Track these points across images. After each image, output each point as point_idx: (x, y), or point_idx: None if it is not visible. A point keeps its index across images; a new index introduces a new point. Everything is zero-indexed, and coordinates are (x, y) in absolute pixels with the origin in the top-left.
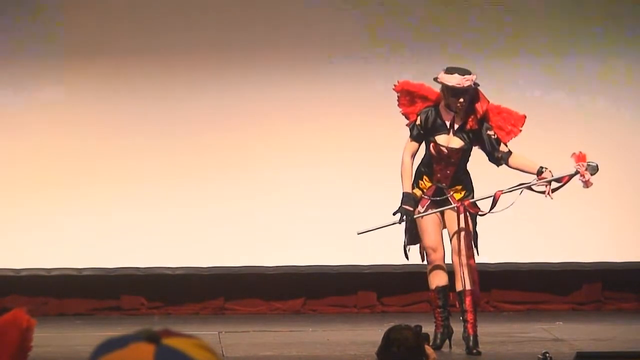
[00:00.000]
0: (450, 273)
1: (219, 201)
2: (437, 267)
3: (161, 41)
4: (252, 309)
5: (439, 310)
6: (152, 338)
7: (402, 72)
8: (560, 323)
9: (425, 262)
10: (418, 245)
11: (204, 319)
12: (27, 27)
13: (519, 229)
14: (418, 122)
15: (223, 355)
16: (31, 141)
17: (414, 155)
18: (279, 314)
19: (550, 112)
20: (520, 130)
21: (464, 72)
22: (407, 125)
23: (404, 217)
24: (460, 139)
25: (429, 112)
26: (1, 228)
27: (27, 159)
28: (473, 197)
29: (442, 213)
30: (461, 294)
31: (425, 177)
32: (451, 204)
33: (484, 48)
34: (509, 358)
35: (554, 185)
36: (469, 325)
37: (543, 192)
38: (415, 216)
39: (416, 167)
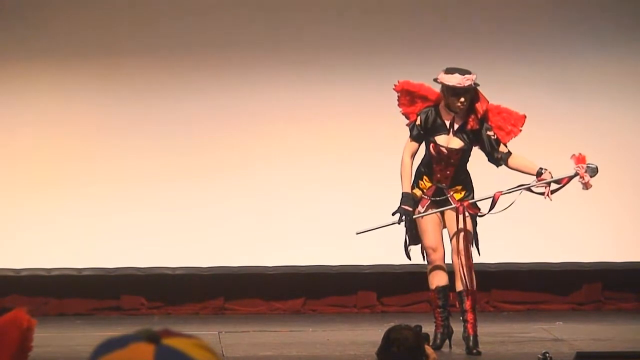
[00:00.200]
0: (450, 273)
1: (219, 201)
2: (437, 267)
3: (161, 41)
4: (252, 309)
5: (439, 310)
6: (152, 338)
7: (402, 72)
8: (560, 323)
9: (424, 262)
10: (419, 245)
11: (204, 319)
12: (27, 27)
13: (519, 229)
14: (418, 122)
15: (223, 355)
16: (31, 141)
17: (413, 156)
18: (279, 314)
19: (549, 113)
20: (520, 130)
21: (464, 71)
22: (407, 125)
23: (403, 217)
24: (460, 139)
25: (429, 112)
26: (1, 228)
27: (27, 159)
28: (473, 197)
29: (442, 213)
30: (461, 294)
31: (425, 177)
32: (451, 204)
33: (484, 48)
34: (509, 358)
35: (553, 186)
36: (469, 325)
37: (542, 194)
38: (414, 216)
39: (416, 167)
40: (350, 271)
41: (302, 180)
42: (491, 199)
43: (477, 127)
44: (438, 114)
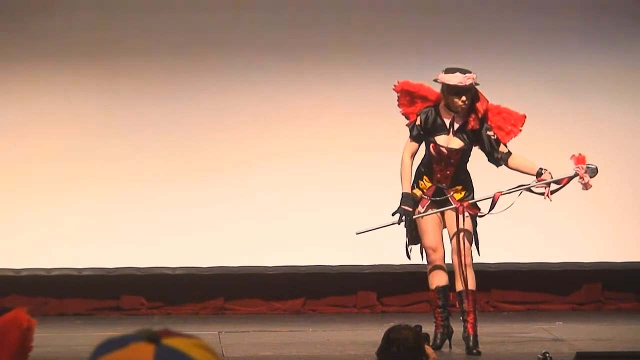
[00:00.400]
0: (450, 273)
1: (219, 201)
2: (437, 267)
3: (161, 42)
4: (252, 309)
5: (439, 310)
6: (152, 338)
7: (402, 72)
8: (560, 323)
9: (424, 261)
10: (419, 245)
11: (204, 319)
12: (26, 27)
13: (519, 229)
14: (418, 122)
15: (223, 355)
16: (31, 141)
17: (413, 156)
18: (279, 314)
19: (549, 113)
20: (520, 130)
21: (464, 71)
22: (406, 125)
23: (403, 217)
24: (460, 139)
25: (429, 113)
26: (1, 228)
27: (27, 159)
28: (473, 198)
29: (442, 213)
30: (461, 294)
31: (425, 177)
32: (451, 205)
33: (484, 48)
34: (509, 358)
35: (553, 187)
36: (469, 325)
37: (542, 194)
38: (414, 216)
39: (416, 167)
40: (350, 271)
41: (302, 180)
42: (491, 199)
43: (478, 127)
44: (438, 114)
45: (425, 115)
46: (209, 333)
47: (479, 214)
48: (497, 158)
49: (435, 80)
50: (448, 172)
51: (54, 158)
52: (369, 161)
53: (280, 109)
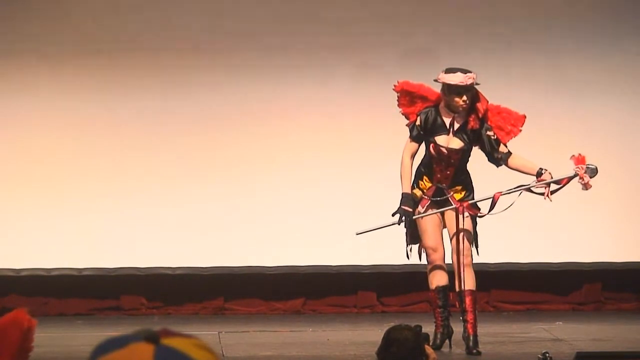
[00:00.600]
0: (450, 273)
1: (219, 201)
2: (437, 267)
3: (160, 41)
4: (252, 309)
5: (439, 310)
6: (151, 338)
7: (402, 73)
8: (560, 323)
9: (422, 262)
10: (418, 245)
11: (204, 319)
12: (25, 27)
13: (519, 229)
14: (418, 122)
15: (223, 355)
16: (31, 141)
17: (413, 156)
18: (279, 314)
19: (549, 113)
20: (520, 130)
21: (465, 70)
22: (406, 125)
23: (403, 218)
24: (460, 139)
25: (429, 113)
26: (1, 228)
27: (27, 159)
28: (473, 198)
29: (442, 213)
30: (461, 294)
31: (425, 177)
32: (451, 205)
33: (484, 48)
34: (509, 358)
35: (553, 187)
36: (469, 325)
37: (542, 194)
38: (414, 217)
39: (416, 167)
40: (350, 271)
41: (302, 181)
42: (491, 199)
43: (478, 127)
44: (438, 114)
45: (425, 115)
46: (209, 333)
47: (479, 214)
48: (497, 158)
49: (436, 80)
50: (448, 172)
51: (54, 158)
52: (369, 161)
53: (281, 108)
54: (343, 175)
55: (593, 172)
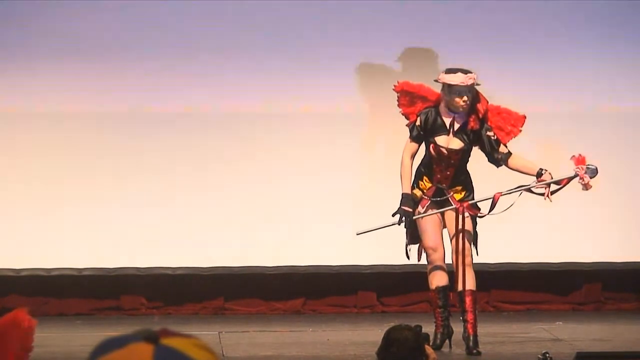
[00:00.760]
0: (450, 273)
1: (219, 201)
2: (437, 267)
3: (160, 41)
4: (252, 309)
5: (439, 310)
6: (151, 338)
7: (402, 73)
8: (560, 323)
9: (421, 262)
10: (417, 245)
11: (204, 319)
12: (25, 27)
13: (519, 229)
14: (418, 122)
15: (223, 355)
16: (31, 141)
17: (413, 156)
18: (279, 314)
19: (549, 114)
20: (520, 131)
21: (465, 71)
22: (406, 125)
23: (403, 218)
24: (460, 140)
25: (429, 113)
26: (1, 228)
27: (26, 159)
28: (473, 198)
29: (442, 213)
30: (461, 294)
31: (425, 177)
32: (451, 205)
33: (483, 48)
34: (509, 358)
35: (553, 187)
36: (469, 325)
37: (542, 195)
38: (414, 217)
39: (416, 167)
40: (350, 271)
41: (302, 181)
42: (491, 199)
43: (478, 127)
44: (438, 114)
45: (425, 115)
46: (209, 333)
47: (479, 215)
48: (497, 158)
49: (436, 81)
50: (448, 173)
51: (53, 157)
52: (369, 161)
53: (280, 109)
54: (343, 175)
55: (593, 172)
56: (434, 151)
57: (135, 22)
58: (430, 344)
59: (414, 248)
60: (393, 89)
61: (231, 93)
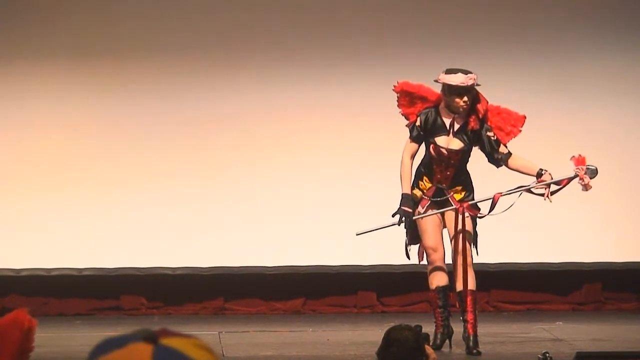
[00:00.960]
0: (451, 273)
1: (219, 201)
2: (437, 267)
3: (160, 42)
4: (252, 309)
5: (439, 310)
6: (150, 338)
7: (402, 73)
8: (560, 323)
9: (422, 263)
10: (418, 245)
11: (204, 319)
12: (25, 28)
13: (519, 229)
14: (418, 123)
15: (223, 355)
16: (31, 142)
17: (413, 156)
18: (279, 314)
19: (549, 114)
20: (520, 131)
21: (466, 71)
22: (406, 126)
23: (403, 218)
24: (460, 140)
25: (429, 113)
26: (1, 228)
27: (26, 159)
28: (473, 198)
29: (442, 213)
30: (461, 294)
31: (425, 177)
32: (451, 205)
33: (483, 48)
34: (509, 358)
35: (553, 187)
36: (469, 325)
37: (542, 195)
38: (414, 217)
39: (416, 167)
40: (350, 271)
41: (302, 181)
42: (491, 200)
43: (478, 127)
44: (438, 114)
45: (425, 116)
46: (209, 333)
47: (479, 215)
48: (497, 159)
49: (436, 81)
50: (448, 173)
51: (53, 158)
52: (369, 161)
53: (281, 109)
54: (343, 175)
55: (593, 173)
56: (434, 151)
57: (135, 23)
58: (430, 344)
59: (414, 248)
60: (393, 90)
61: (232, 94)
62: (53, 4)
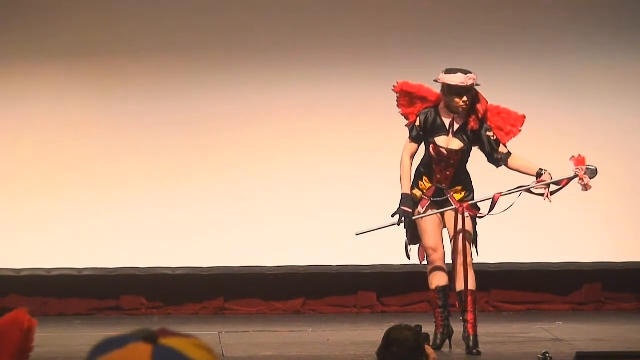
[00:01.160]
0: (451, 273)
1: (219, 201)
2: (437, 267)
3: (160, 42)
4: (252, 309)
5: (439, 310)
6: (150, 338)
7: (402, 73)
8: (560, 323)
9: (422, 263)
10: (418, 245)
11: (204, 319)
12: (25, 28)
13: (519, 229)
14: (417, 123)
15: (223, 355)
16: (31, 142)
17: (413, 156)
18: (279, 314)
19: (549, 114)
20: (520, 131)
21: (465, 71)
22: (406, 126)
23: (403, 218)
24: (460, 140)
25: (429, 113)
26: (1, 228)
27: (27, 160)
28: (473, 198)
29: (442, 213)
30: (461, 294)
31: (425, 177)
32: (451, 205)
33: (483, 48)
34: (509, 358)
35: (553, 188)
36: (469, 325)
37: (542, 195)
38: (414, 217)
39: (416, 167)
40: (350, 271)
41: (302, 181)
42: (491, 200)
43: (477, 127)
44: (438, 114)
45: (425, 116)
46: (209, 333)
47: (478, 215)
48: (497, 159)
49: (436, 81)
50: (448, 173)
51: (53, 158)
52: (369, 161)
53: (280, 109)
54: (343, 175)
55: (593, 173)
56: (434, 151)
57: (135, 23)
58: (430, 344)
59: (414, 248)
60: (392, 90)
61: (232, 94)
62: (53, 4)
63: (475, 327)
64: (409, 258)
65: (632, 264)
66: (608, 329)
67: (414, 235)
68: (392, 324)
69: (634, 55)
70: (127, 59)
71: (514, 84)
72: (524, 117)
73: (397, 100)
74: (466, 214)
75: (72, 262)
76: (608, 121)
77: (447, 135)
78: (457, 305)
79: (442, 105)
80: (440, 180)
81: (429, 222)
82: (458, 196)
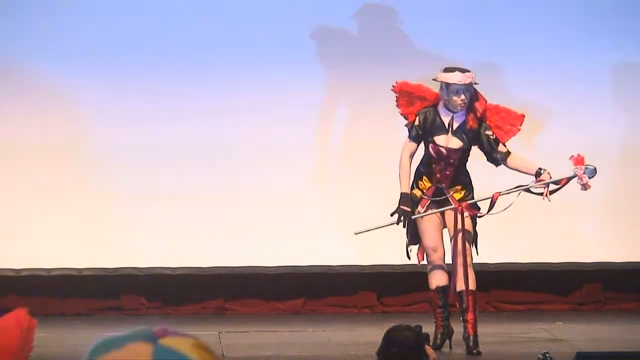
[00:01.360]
0: (450, 273)
1: (219, 201)
2: (437, 267)
3: (159, 40)
4: (252, 309)
5: (439, 310)
6: (150, 338)
7: (402, 73)
8: (560, 323)
9: (422, 263)
10: (418, 245)
11: (204, 319)
12: (25, 28)
13: (519, 229)
14: (417, 122)
15: (223, 355)
16: (31, 141)
17: (412, 156)
18: (279, 314)
19: (548, 113)
20: (519, 129)
21: (463, 70)
22: (405, 125)
23: (402, 218)
24: (459, 139)
25: (428, 113)
26: (1, 228)
27: (27, 159)
28: (473, 197)
29: (442, 213)
30: (461, 294)
31: (424, 177)
32: (451, 204)
33: (483, 48)
34: (509, 358)
35: (552, 187)
36: (469, 325)
37: (541, 194)
38: (414, 217)
39: (415, 167)
40: (350, 271)
41: (302, 180)
42: (490, 199)
43: (476, 126)
44: (437, 114)
45: (424, 115)
46: (209, 333)
47: (478, 214)
48: (496, 158)
49: (435, 80)
50: (447, 172)
51: (53, 157)
52: (370, 161)
53: (280, 108)
54: (343, 175)
55: (592, 172)
56: (433, 151)
57: (135, 23)
58: (430, 344)
59: (414, 248)
60: (391, 90)
61: (232, 93)
62: (53, 4)
63: (475, 327)
64: (409, 258)
65: (632, 264)
66: (608, 329)
67: (414, 236)
68: (392, 324)
69: (635, 55)
70: (127, 59)
71: (514, 84)
72: (523, 116)
73: (396, 100)
74: (466, 214)
75: (72, 262)
76: (608, 121)
77: (447, 134)
78: (457, 305)
79: (441, 104)
80: (440, 180)
81: (429, 222)
82: (458, 196)
